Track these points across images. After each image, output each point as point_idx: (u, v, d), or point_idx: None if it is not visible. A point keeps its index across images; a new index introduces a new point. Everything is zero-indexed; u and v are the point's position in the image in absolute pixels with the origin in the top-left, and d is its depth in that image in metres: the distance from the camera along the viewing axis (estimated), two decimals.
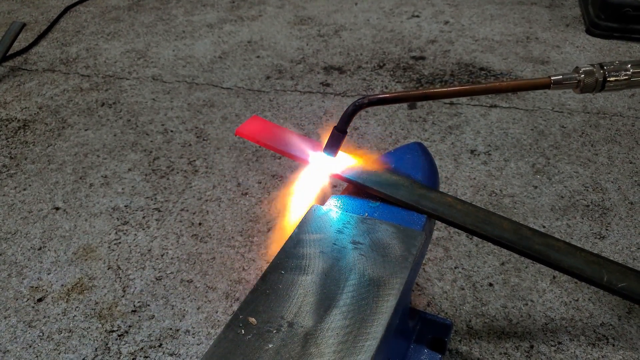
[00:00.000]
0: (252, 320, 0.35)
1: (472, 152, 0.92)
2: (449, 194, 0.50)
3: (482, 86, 0.44)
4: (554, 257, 0.44)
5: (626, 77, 0.41)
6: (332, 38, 1.40)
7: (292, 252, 0.41)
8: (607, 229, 0.73)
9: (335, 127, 0.44)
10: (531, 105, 1.05)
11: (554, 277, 0.66)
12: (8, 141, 1.02)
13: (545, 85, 0.42)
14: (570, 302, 0.62)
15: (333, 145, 0.44)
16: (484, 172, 0.87)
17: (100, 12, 1.64)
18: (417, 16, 1.51)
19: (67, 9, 1.65)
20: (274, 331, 0.35)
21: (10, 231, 0.79)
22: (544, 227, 0.74)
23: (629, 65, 0.42)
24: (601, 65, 0.42)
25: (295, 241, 0.42)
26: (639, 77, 0.42)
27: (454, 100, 1.09)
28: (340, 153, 0.46)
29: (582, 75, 0.42)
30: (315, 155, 0.47)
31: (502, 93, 1.01)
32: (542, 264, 0.45)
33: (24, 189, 0.88)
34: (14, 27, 1.32)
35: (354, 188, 0.50)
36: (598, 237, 0.72)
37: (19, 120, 1.09)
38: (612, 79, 0.42)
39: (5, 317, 0.65)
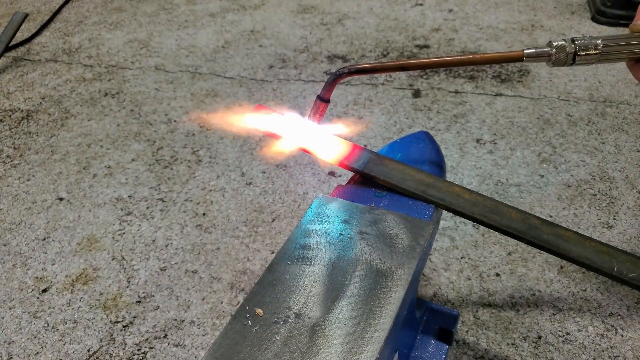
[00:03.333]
0: (259, 311, 0.35)
1: (477, 141, 0.91)
2: (456, 183, 0.50)
3: (456, 58, 0.45)
4: (563, 246, 0.44)
5: (596, 52, 0.43)
6: (335, 27, 1.38)
7: (298, 243, 0.41)
8: (614, 218, 0.73)
9: (318, 96, 0.45)
10: (537, 94, 1.04)
11: (562, 267, 0.65)
12: (11, 131, 1.02)
13: (519, 58, 0.43)
14: (578, 292, 0.62)
15: (316, 114, 0.46)
16: (489, 161, 0.86)
17: (103, 1, 1.63)
18: (421, 4, 1.49)
19: None
20: (281, 322, 0.34)
21: (15, 222, 0.79)
22: (550, 216, 0.74)
23: (599, 41, 0.43)
24: (573, 40, 0.43)
25: (301, 231, 0.42)
26: (608, 53, 0.43)
27: (459, 88, 1.07)
28: (323, 124, 0.48)
29: (554, 50, 0.43)
30: (298, 121, 0.48)
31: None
32: (550, 254, 0.45)
33: (28, 180, 0.88)
34: (16, 18, 1.30)
35: (360, 178, 0.49)
36: (606, 226, 0.71)
37: (22, 111, 1.08)
38: (582, 53, 0.43)
39: (10, 308, 0.65)
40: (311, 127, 0.47)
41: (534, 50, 0.43)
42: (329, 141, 0.49)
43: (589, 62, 0.43)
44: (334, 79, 0.44)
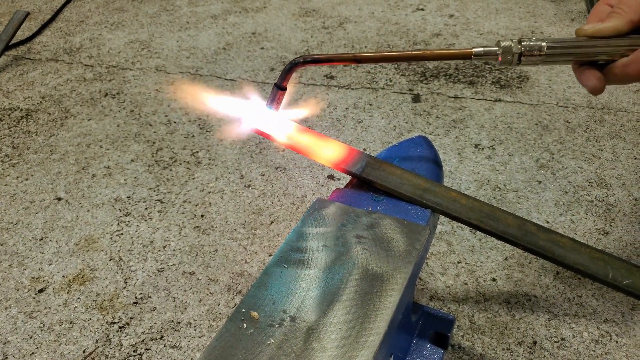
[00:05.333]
0: (255, 314, 0.35)
1: (476, 146, 0.92)
2: (453, 188, 0.50)
3: (407, 53, 0.47)
4: (558, 253, 0.44)
5: (541, 55, 0.44)
6: (336, 30, 1.38)
7: (294, 246, 0.41)
8: (611, 225, 0.73)
9: (275, 84, 0.48)
10: (536, 100, 1.04)
11: (558, 273, 0.65)
12: (10, 130, 1.02)
13: (467, 56, 0.45)
14: (574, 297, 0.62)
15: (274, 101, 0.48)
16: (487, 167, 0.86)
17: (105, 1, 1.63)
18: (422, 9, 1.50)
19: None
20: (276, 325, 0.34)
21: (12, 221, 0.79)
22: (547, 222, 0.74)
23: (544, 43, 0.44)
24: (519, 41, 0.44)
25: (298, 234, 0.42)
26: (553, 55, 0.44)
27: (459, 93, 1.08)
28: (281, 111, 0.49)
29: (501, 51, 0.44)
30: (257, 108, 0.50)
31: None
32: (546, 260, 0.45)
33: (26, 179, 0.88)
34: (17, 16, 1.31)
35: (358, 181, 0.49)
36: (602, 232, 0.72)
37: (21, 110, 1.09)
38: (527, 54, 0.44)
39: (6, 308, 0.65)
40: (269, 114, 0.49)
41: (482, 49, 0.44)
42: (326, 143, 0.49)
43: (535, 64, 0.44)
44: (290, 67, 0.46)
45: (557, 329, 0.58)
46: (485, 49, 0.44)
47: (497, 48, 0.44)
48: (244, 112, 0.50)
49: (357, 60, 0.47)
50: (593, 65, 0.45)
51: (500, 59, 0.44)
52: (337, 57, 0.49)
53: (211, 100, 0.52)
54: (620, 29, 0.43)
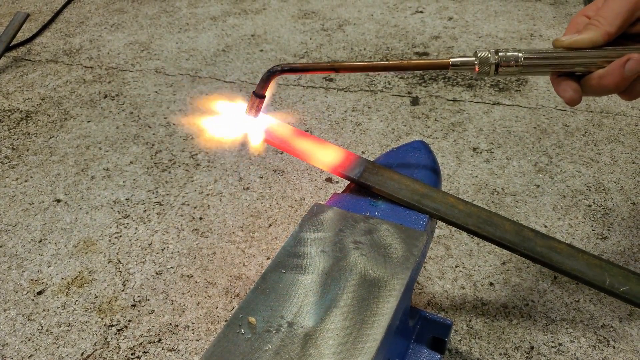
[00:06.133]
0: (252, 319, 0.35)
1: (474, 149, 0.92)
2: (451, 193, 0.50)
3: (385, 63, 0.46)
4: (556, 259, 0.44)
5: (517, 65, 0.44)
6: (335, 32, 1.39)
7: (292, 251, 0.41)
8: (609, 230, 0.73)
9: (253, 92, 0.48)
10: (534, 103, 1.05)
11: (555, 278, 0.66)
12: (10, 132, 1.02)
13: (444, 66, 0.45)
14: (571, 303, 0.62)
15: (253, 108, 0.49)
16: (486, 170, 0.86)
17: (104, 3, 1.63)
18: (421, 12, 1.50)
19: None
20: (274, 331, 0.34)
21: (11, 223, 0.79)
22: (545, 226, 0.74)
23: (521, 54, 0.44)
24: (497, 52, 0.44)
25: (295, 239, 0.42)
26: (530, 66, 0.44)
27: (457, 97, 1.08)
28: (262, 115, 0.50)
29: (477, 61, 0.44)
30: (238, 116, 0.51)
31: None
32: (544, 266, 0.45)
33: (26, 181, 0.88)
34: (17, 18, 1.31)
35: (356, 186, 0.49)
36: (600, 237, 0.72)
37: (21, 111, 1.09)
38: (504, 65, 0.44)
39: (4, 310, 0.65)
40: (249, 120, 0.50)
41: (459, 59, 0.44)
42: (324, 148, 0.50)
43: (512, 74, 0.44)
44: (268, 76, 0.46)
45: (554, 334, 0.59)
46: (463, 59, 0.44)
47: (474, 58, 0.44)
48: (240, 124, 0.51)
49: (335, 69, 0.47)
50: (570, 77, 0.45)
51: (477, 69, 0.44)
52: (314, 67, 0.50)
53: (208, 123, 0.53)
54: (596, 40, 0.43)
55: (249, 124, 0.50)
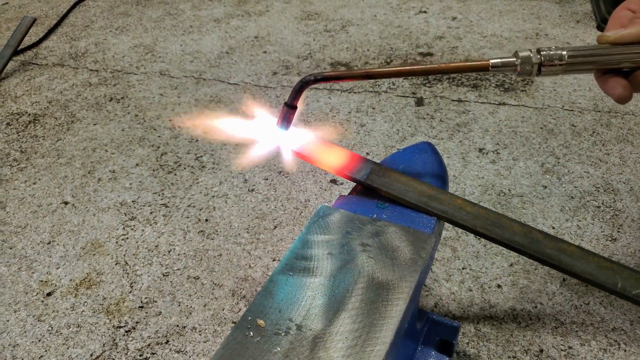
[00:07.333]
0: (261, 322, 0.35)
1: (480, 150, 0.91)
2: (459, 195, 0.50)
3: (422, 67, 0.45)
4: (566, 261, 0.44)
5: (562, 64, 0.42)
6: (339, 33, 1.39)
7: (300, 254, 0.41)
8: (618, 231, 0.72)
9: (285, 103, 0.46)
10: (540, 104, 1.04)
11: (564, 280, 0.65)
12: (19, 135, 1.03)
13: (484, 68, 0.43)
14: (581, 305, 0.62)
15: (284, 120, 0.47)
16: (492, 171, 0.86)
17: (109, 6, 1.64)
18: (425, 12, 1.50)
19: (77, 3, 1.65)
20: (283, 334, 0.34)
21: (21, 225, 0.80)
22: (553, 228, 0.74)
23: (565, 52, 0.42)
24: (539, 51, 0.42)
25: (303, 242, 0.42)
26: (574, 64, 0.42)
27: (462, 97, 1.08)
28: (292, 128, 0.48)
29: (519, 61, 0.43)
30: (268, 128, 0.49)
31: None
32: (553, 268, 0.45)
33: (34, 183, 0.89)
34: (25, 22, 1.32)
35: (362, 188, 0.49)
36: (610, 239, 0.71)
37: (29, 115, 1.10)
38: (548, 64, 0.42)
39: (15, 311, 0.65)
40: (280, 133, 0.48)
41: (499, 60, 0.43)
42: (330, 150, 0.49)
43: (555, 73, 0.43)
44: (301, 86, 0.45)
45: (564, 337, 0.58)
46: (503, 59, 0.43)
47: (515, 59, 0.43)
48: (264, 135, 0.49)
49: (369, 76, 0.46)
50: (617, 73, 0.43)
51: (519, 69, 0.43)
52: (347, 75, 0.48)
53: (226, 126, 0.52)
54: None
55: (280, 137, 0.48)
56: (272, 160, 0.92)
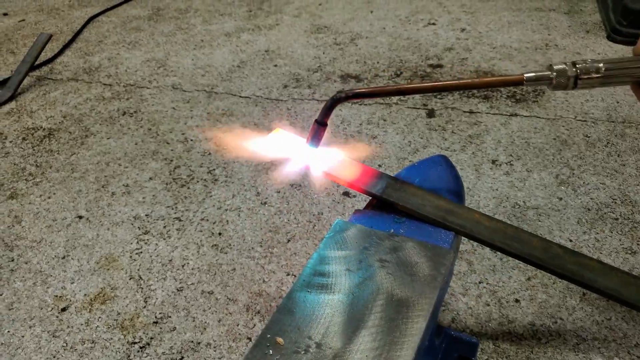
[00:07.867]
0: (280, 340, 0.35)
1: (493, 162, 0.91)
2: (475, 209, 0.49)
3: (455, 82, 0.44)
4: (587, 277, 0.43)
5: (598, 76, 0.42)
6: (348, 46, 1.40)
7: (317, 270, 0.41)
8: (638, 244, 0.71)
9: (315, 120, 0.46)
10: (553, 114, 1.03)
11: (584, 294, 0.64)
12: (34, 149, 1.04)
13: (519, 82, 0.43)
14: (603, 321, 0.60)
15: (315, 138, 0.47)
16: (506, 183, 0.85)
17: (122, 22, 1.68)
18: (434, 24, 1.50)
19: (90, 19, 1.69)
20: (302, 352, 0.34)
21: (36, 239, 0.81)
22: (570, 240, 0.72)
23: (602, 64, 0.42)
24: (574, 64, 0.42)
25: (320, 258, 0.42)
26: (611, 76, 0.42)
27: (474, 108, 1.07)
28: (322, 146, 0.48)
29: (555, 74, 0.42)
30: (298, 146, 0.48)
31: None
32: (574, 284, 0.44)
33: (49, 197, 0.90)
34: (41, 39, 1.35)
35: (378, 202, 0.49)
36: (629, 252, 0.70)
37: (44, 129, 1.11)
38: (584, 77, 0.42)
39: (30, 327, 0.66)
40: (310, 151, 0.48)
41: (534, 74, 0.43)
42: (346, 165, 0.49)
43: (591, 86, 0.42)
44: (332, 103, 0.45)
45: (586, 353, 0.57)
46: (538, 73, 0.42)
47: (550, 72, 0.42)
48: (295, 155, 0.48)
49: (401, 92, 0.45)
50: None
51: (554, 82, 0.42)
52: (380, 91, 0.48)
53: (258, 147, 0.51)
54: None
55: (311, 156, 0.48)
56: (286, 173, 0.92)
